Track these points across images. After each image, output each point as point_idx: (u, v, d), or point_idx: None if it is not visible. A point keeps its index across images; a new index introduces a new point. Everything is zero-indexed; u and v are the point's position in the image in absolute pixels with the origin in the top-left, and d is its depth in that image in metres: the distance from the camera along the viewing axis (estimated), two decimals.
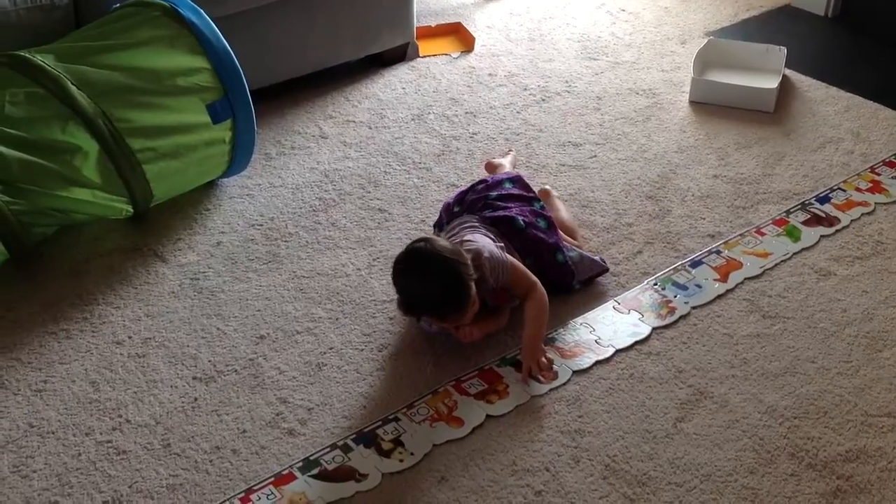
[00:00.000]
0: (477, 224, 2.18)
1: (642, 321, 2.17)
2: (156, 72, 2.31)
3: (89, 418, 1.94)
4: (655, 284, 2.28)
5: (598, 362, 2.07)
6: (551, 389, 2.00)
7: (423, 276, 1.99)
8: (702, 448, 1.87)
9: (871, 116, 2.96)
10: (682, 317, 2.19)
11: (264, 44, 2.86)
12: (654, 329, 2.15)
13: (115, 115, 2.24)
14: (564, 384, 2.02)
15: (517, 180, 2.32)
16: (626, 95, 3.09)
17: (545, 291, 2.10)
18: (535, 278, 2.11)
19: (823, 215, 2.51)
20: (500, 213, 2.20)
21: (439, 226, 2.32)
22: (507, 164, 2.59)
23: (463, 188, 2.36)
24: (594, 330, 2.15)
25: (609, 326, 2.16)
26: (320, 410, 1.96)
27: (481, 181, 2.33)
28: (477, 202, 2.25)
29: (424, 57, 3.31)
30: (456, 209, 2.29)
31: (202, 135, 2.37)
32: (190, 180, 2.48)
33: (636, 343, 2.12)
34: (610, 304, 2.22)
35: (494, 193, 2.26)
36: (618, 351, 2.10)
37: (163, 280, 2.30)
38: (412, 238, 2.39)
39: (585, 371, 2.05)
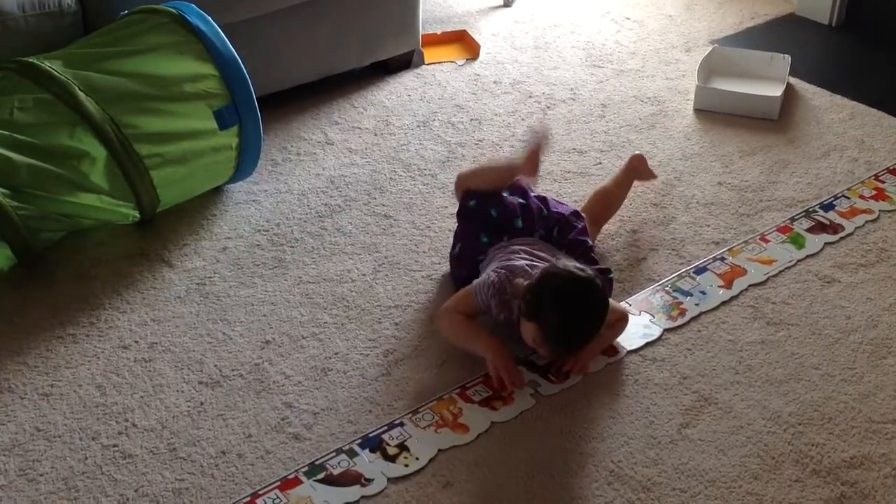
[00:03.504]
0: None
1: (653, 322, 2.18)
2: (163, 78, 2.32)
3: (96, 422, 1.94)
4: (667, 286, 2.29)
5: (608, 364, 2.08)
6: (561, 390, 2.02)
7: (589, 305, 1.95)
8: (706, 454, 1.88)
9: (875, 124, 2.97)
10: (693, 318, 2.20)
11: (271, 51, 2.87)
12: (665, 330, 2.16)
13: (123, 121, 2.25)
14: (575, 385, 2.03)
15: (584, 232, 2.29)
16: (631, 103, 3.10)
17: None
18: (624, 308, 2.15)
19: (828, 223, 2.52)
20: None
21: (496, 227, 2.23)
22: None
23: (558, 208, 2.29)
24: None
25: None
26: (326, 415, 1.96)
27: (575, 213, 2.29)
28: (576, 245, 2.22)
29: (430, 64, 3.32)
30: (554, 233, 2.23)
31: (209, 141, 2.39)
32: (196, 186, 2.49)
33: (647, 345, 2.13)
34: (622, 305, 2.23)
35: (589, 242, 2.25)
36: (629, 352, 2.11)
37: (169, 285, 2.31)
38: (417, 244, 2.42)
39: (595, 373, 2.06)
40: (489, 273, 2.07)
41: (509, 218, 2.23)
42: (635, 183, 2.63)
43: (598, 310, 1.96)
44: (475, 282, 2.08)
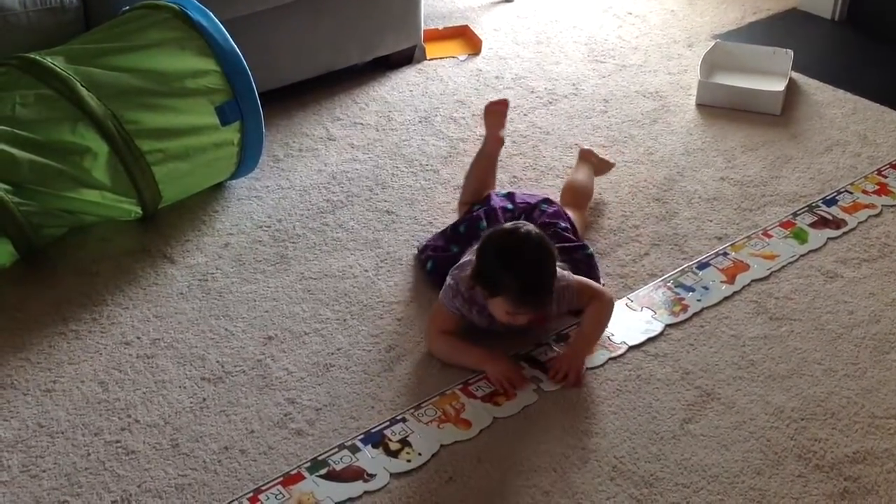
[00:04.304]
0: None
1: (655, 318, 2.18)
2: (165, 74, 2.32)
3: (98, 418, 1.95)
4: (669, 282, 2.28)
5: (610, 359, 2.08)
6: (563, 386, 2.01)
7: (529, 247, 1.96)
8: (709, 449, 1.88)
9: (877, 119, 2.97)
10: (696, 314, 2.19)
11: (272, 46, 2.87)
12: (666, 326, 2.16)
13: (125, 117, 2.25)
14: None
15: (571, 224, 2.31)
16: (633, 98, 3.10)
17: (613, 300, 2.12)
18: (600, 287, 2.13)
19: (830, 217, 2.51)
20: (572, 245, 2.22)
21: (468, 230, 2.28)
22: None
23: (525, 198, 2.33)
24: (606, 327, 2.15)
25: (622, 323, 2.16)
26: (328, 411, 1.96)
27: (546, 200, 2.32)
28: (546, 227, 2.21)
29: (431, 59, 3.32)
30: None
31: (211, 137, 2.38)
32: (198, 182, 2.49)
33: (648, 340, 2.12)
34: (623, 301, 2.23)
35: (563, 224, 2.26)
36: (630, 348, 2.10)
37: (171, 281, 2.31)
38: (419, 240, 2.42)
39: (597, 368, 2.06)
40: (446, 280, 2.10)
41: (473, 224, 2.27)
42: (635, 178, 2.63)
43: (541, 245, 1.96)
44: (440, 294, 2.10)
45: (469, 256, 2.10)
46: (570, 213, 2.33)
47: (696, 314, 2.20)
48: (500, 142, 2.47)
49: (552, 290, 1.98)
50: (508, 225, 2.04)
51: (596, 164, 2.60)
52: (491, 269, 1.96)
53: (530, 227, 2.01)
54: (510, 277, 1.94)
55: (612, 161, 2.67)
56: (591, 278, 2.17)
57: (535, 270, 1.95)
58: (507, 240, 1.98)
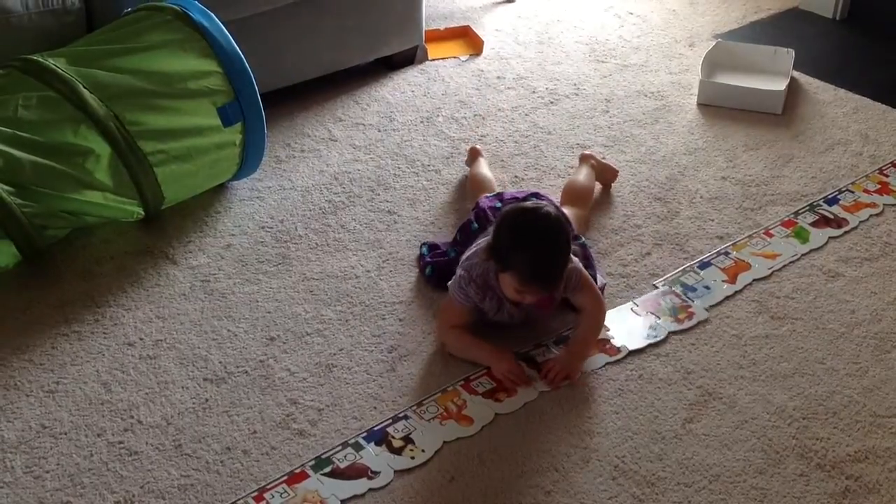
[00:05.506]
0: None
1: (659, 324, 2.18)
2: (167, 75, 2.33)
3: (101, 419, 1.95)
4: (676, 287, 2.27)
5: (609, 363, 2.08)
6: (552, 389, 2.02)
7: (553, 238, 1.96)
8: (711, 449, 1.88)
9: (879, 118, 2.97)
10: (701, 322, 2.18)
11: (274, 47, 2.87)
12: (670, 333, 2.15)
13: (127, 118, 2.26)
14: (578, 379, 2.03)
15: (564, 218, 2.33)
16: (635, 98, 3.10)
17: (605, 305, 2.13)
18: (597, 289, 2.13)
19: (832, 217, 2.51)
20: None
21: (469, 230, 2.30)
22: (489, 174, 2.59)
23: (514, 194, 2.34)
24: (608, 330, 2.15)
25: (624, 327, 2.16)
26: (330, 411, 1.97)
27: (534, 194, 2.32)
28: None
29: (433, 60, 3.32)
30: None
31: (213, 138, 2.39)
32: (200, 183, 2.49)
33: (650, 345, 2.12)
34: (628, 305, 2.22)
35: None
36: (631, 352, 2.10)
37: (174, 282, 2.31)
38: (421, 240, 2.42)
39: (599, 369, 2.06)
40: (457, 272, 2.10)
41: (466, 228, 2.29)
42: (637, 178, 2.62)
43: (557, 225, 1.97)
44: (449, 287, 2.11)
45: (475, 248, 2.10)
46: (565, 209, 2.33)
47: (701, 322, 2.18)
48: (476, 149, 2.66)
49: (563, 272, 1.99)
50: (529, 203, 2.07)
51: (595, 166, 2.60)
52: (505, 243, 1.97)
53: (550, 207, 2.03)
54: (522, 253, 1.95)
55: (615, 167, 2.66)
56: (588, 268, 2.17)
57: (548, 249, 1.96)
58: (523, 216, 1.99)
